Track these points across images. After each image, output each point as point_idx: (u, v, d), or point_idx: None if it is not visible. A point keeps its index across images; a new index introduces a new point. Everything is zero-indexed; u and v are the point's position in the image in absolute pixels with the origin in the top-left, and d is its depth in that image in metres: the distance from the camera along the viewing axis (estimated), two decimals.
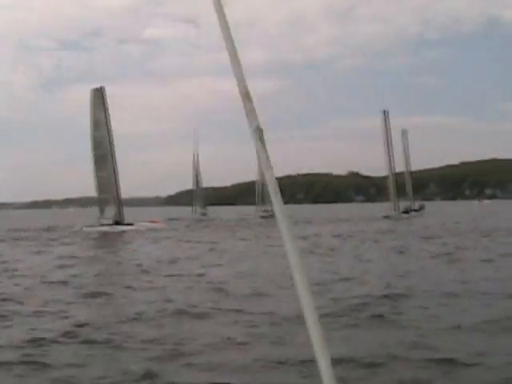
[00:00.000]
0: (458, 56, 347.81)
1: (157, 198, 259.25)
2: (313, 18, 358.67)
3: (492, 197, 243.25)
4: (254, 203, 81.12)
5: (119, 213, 48.35)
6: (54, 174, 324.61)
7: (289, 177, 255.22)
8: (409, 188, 72.83)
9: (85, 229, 46.59)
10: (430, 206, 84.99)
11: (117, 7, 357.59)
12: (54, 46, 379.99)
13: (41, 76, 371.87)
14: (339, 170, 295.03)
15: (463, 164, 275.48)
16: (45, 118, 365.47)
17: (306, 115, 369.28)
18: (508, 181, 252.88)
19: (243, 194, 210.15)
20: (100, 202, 49.29)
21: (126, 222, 48.04)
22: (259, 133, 1.84)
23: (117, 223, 47.09)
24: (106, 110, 48.76)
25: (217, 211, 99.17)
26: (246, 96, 1.86)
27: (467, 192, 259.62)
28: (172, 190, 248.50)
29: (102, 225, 47.02)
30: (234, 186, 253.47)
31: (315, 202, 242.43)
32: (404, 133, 74.22)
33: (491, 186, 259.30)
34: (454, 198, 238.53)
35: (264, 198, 72.74)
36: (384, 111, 66.75)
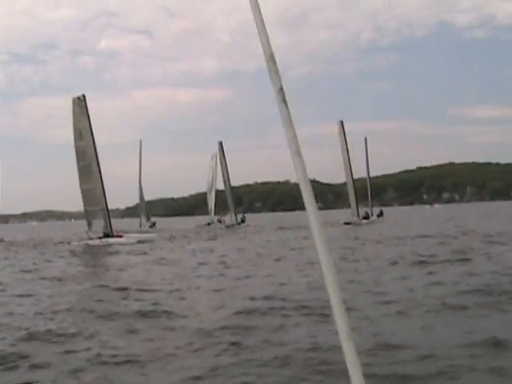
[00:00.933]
0: (411, 61, 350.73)
1: (116, 209, 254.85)
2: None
3: (450, 201, 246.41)
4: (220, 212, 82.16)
5: (108, 225, 45.50)
6: (9, 188, 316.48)
7: (246, 186, 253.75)
8: (368, 194, 73.92)
9: (75, 243, 43.72)
10: (388, 211, 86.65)
11: (70, 19, 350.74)
12: (5, 59, 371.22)
13: None
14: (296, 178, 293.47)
15: (420, 169, 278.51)
16: None
17: (260, 124, 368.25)
18: (465, 184, 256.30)
19: (201, 203, 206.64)
20: (87, 215, 46.44)
21: (116, 234, 45.38)
22: (282, 94, 1.89)
23: (106, 236, 44.30)
24: (88, 119, 45.90)
25: (170, 222, 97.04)
26: (270, 58, 1.91)
27: (425, 196, 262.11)
28: (130, 202, 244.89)
29: (91, 238, 44.24)
30: (192, 197, 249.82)
31: (273, 210, 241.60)
32: (365, 140, 76.48)
33: (448, 191, 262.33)
34: (411, 203, 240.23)
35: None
36: (341, 121, 66.53)
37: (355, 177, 67.74)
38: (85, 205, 46.30)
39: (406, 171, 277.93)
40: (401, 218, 78.74)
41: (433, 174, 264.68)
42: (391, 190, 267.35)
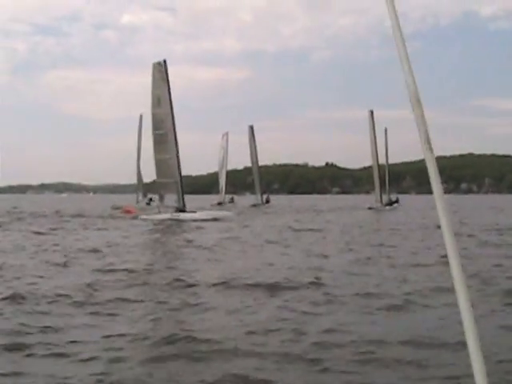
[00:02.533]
0: (435, 50, 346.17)
1: (133, 185, 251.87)
2: (288, 8, 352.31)
3: (467, 191, 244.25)
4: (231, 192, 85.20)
5: (181, 199, 43.08)
6: (27, 158, 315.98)
7: (265, 166, 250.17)
8: (386, 181, 72.84)
9: (143, 217, 41.37)
10: (404, 199, 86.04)
11: None
12: (28, 30, 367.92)
13: (15, 60, 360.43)
14: (316, 161, 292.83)
15: (440, 158, 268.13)
16: (19, 103, 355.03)
17: (281, 106, 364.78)
18: (483, 176, 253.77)
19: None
20: (159, 187, 44.11)
21: (189, 209, 42.94)
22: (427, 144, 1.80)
23: (180, 211, 41.89)
24: (168, 85, 43.36)
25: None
26: (417, 102, 1.80)
27: (443, 186, 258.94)
28: (148, 178, 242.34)
29: (161, 212, 41.87)
30: (210, 175, 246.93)
31: (291, 192, 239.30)
32: (385, 131, 74.61)
33: (467, 181, 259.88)
34: (429, 192, 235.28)
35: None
36: (371, 111, 65.69)
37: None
38: (157, 176, 44.07)
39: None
40: (413, 206, 77.26)
41: (452, 164, 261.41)
42: (409, 178, 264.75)
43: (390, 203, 66.94)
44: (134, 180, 69.94)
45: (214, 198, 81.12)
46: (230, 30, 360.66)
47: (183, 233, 30.41)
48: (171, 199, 43.15)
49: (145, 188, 67.61)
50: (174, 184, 43.19)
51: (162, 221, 39.28)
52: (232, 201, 76.60)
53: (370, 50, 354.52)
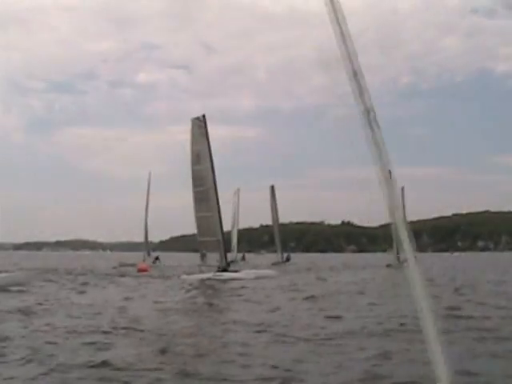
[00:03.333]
0: (450, 106, 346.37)
1: (149, 243, 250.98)
2: (302, 66, 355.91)
3: (484, 249, 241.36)
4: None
5: (224, 258, 41.49)
6: (43, 215, 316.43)
7: (281, 225, 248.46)
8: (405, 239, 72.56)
9: (184, 276, 39.75)
10: (421, 257, 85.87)
11: (109, 51, 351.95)
12: (44, 88, 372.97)
13: (31, 117, 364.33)
14: (332, 219, 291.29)
15: (455, 215, 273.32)
16: (34, 160, 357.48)
17: (296, 163, 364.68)
18: (500, 233, 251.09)
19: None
20: (200, 246, 42.62)
21: (231, 269, 41.46)
22: (373, 115, 1.86)
23: (222, 270, 40.24)
24: (207, 141, 42.22)
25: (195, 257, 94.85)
26: (355, 74, 1.87)
27: (459, 243, 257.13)
28: (164, 236, 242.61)
29: (203, 272, 40.29)
30: (227, 233, 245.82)
31: (307, 250, 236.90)
32: (402, 189, 72.61)
33: (483, 238, 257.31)
34: (446, 250, 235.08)
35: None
36: (389, 171, 67.52)
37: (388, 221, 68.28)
38: (198, 234, 42.54)
39: (442, 217, 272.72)
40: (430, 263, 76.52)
41: (468, 221, 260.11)
42: (426, 235, 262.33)
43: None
44: (143, 239, 70.54)
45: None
46: (244, 88, 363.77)
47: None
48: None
49: (150, 247, 68.02)
50: (216, 242, 41.69)
51: (204, 280, 37.67)
52: (243, 259, 76.60)
53: (383, 108, 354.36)
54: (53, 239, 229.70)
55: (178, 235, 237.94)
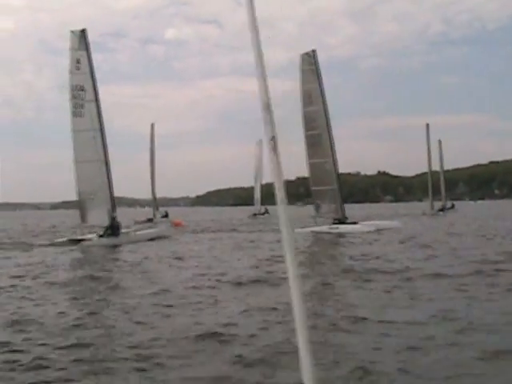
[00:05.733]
0: (482, 54, 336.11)
1: (186, 198, 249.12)
2: (333, 18, 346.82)
3: None
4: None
5: (340, 209, 37.60)
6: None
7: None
8: (442, 189, 76.37)
9: (298, 230, 35.70)
10: (458, 205, 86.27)
11: (138, 8, 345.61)
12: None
13: (63, 77, 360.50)
14: (368, 169, 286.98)
15: (492, 163, 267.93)
16: (68, 119, 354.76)
17: (331, 115, 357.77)
18: None
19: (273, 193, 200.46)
20: (314, 196, 38.56)
21: (349, 220, 37.57)
22: (273, 143, 2.00)
23: (339, 222, 36.27)
24: (319, 79, 37.93)
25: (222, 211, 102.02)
26: (267, 107, 2.03)
27: (496, 191, 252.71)
28: (201, 190, 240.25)
29: (317, 225, 36.40)
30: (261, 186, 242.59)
31: (344, 201, 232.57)
32: (440, 143, 76.93)
33: None
34: (482, 198, 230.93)
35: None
36: (427, 124, 70.49)
37: (426, 170, 73.02)
38: (312, 183, 38.62)
39: (478, 165, 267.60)
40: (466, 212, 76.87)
41: (505, 169, 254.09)
42: (462, 184, 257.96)
43: (442, 209, 70.91)
44: (183, 194, 69.22)
45: (249, 210, 79.17)
46: (275, 41, 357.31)
47: None
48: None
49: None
50: (331, 191, 37.83)
51: (320, 234, 33.91)
52: (266, 212, 73.62)
53: (415, 56, 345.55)
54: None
55: (214, 189, 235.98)
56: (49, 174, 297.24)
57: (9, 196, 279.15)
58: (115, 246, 28.60)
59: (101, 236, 30.14)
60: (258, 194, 77.17)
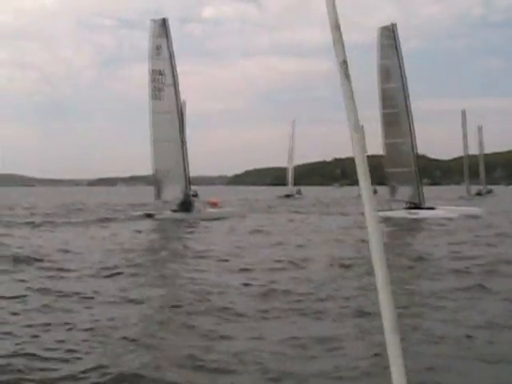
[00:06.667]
0: None
1: (222, 177, 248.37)
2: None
3: None
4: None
5: (418, 193, 35.73)
6: (118, 152, 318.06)
7: (351, 158, 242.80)
8: (482, 174, 76.70)
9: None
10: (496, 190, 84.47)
11: None
12: (115, 25, 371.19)
13: (103, 54, 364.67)
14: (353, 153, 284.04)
15: None
16: (107, 96, 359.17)
17: (369, 97, 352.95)
18: None
19: (309, 173, 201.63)
20: (391, 179, 36.77)
21: (426, 205, 35.59)
22: (345, 67, 1.85)
23: (415, 207, 34.41)
24: (398, 54, 35.96)
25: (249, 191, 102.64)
26: (336, 26, 1.88)
27: None
28: (238, 169, 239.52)
29: (392, 209, 34.62)
30: (299, 166, 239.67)
31: (380, 184, 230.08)
32: (480, 129, 76.66)
33: None
34: None
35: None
36: (463, 111, 68.53)
37: (463, 154, 71.94)
38: (387, 165, 36.82)
39: None
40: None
41: None
42: (500, 168, 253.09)
43: (480, 193, 70.17)
44: (221, 172, 68.16)
45: (278, 191, 79.23)
46: (313, 20, 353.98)
47: None
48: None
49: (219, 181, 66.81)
50: (409, 174, 35.98)
51: (395, 219, 32.08)
52: (300, 193, 73.81)
53: (458, 39, 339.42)
54: (127, 175, 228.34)
55: (251, 169, 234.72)
56: (85, 150, 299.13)
57: (46, 172, 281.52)
58: (187, 221, 30.42)
59: (174, 211, 32.43)
60: (290, 174, 76.27)
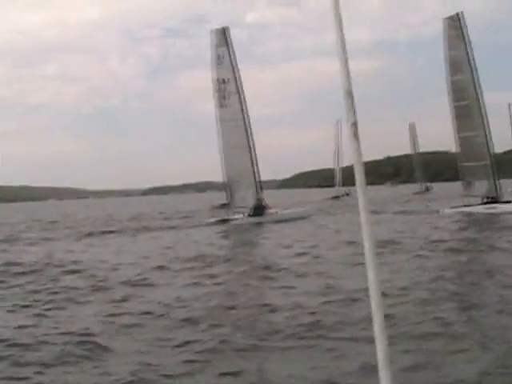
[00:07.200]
0: None
1: (273, 181, 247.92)
2: None
3: None
4: (371, 183, 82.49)
5: (494, 187, 34.33)
6: (169, 160, 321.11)
7: (405, 156, 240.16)
8: None
9: (446, 210, 32.69)
10: None
11: None
12: (159, 34, 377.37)
13: (149, 64, 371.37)
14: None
15: None
16: (155, 105, 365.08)
17: (415, 94, 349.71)
18: None
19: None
20: (465, 173, 35.46)
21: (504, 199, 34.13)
22: (354, 129, 2.01)
23: (492, 201, 33.20)
24: (466, 44, 34.67)
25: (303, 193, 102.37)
26: (348, 93, 2.00)
27: None
28: (286, 174, 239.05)
29: (468, 205, 33.16)
30: (348, 167, 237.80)
31: (432, 180, 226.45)
32: None
33: None
34: None
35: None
36: (509, 104, 62.82)
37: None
38: (461, 159, 35.53)
39: None
40: None
41: None
42: None
43: None
44: (270, 177, 68.35)
45: (330, 192, 77.83)
46: (357, 20, 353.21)
47: None
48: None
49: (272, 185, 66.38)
50: (483, 168, 34.60)
51: (472, 214, 30.86)
52: (348, 193, 72.27)
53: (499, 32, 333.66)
54: (178, 183, 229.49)
55: (301, 172, 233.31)
56: (135, 160, 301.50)
57: (98, 184, 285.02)
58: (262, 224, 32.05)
59: (249, 215, 33.58)
60: (338, 174, 76.59)
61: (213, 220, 33.95)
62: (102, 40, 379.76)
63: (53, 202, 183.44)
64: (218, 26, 35.33)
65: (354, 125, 1.97)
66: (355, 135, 1.97)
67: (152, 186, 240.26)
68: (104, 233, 30.53)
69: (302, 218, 35.29)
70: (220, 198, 60.21)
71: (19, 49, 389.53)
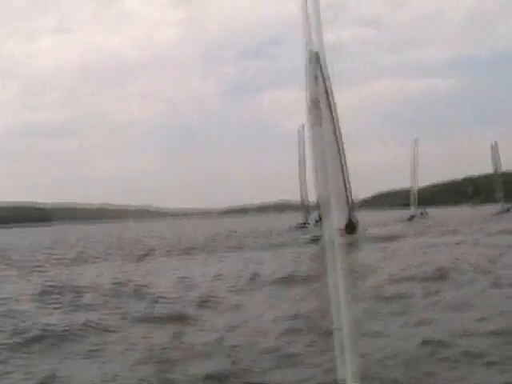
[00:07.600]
0: None
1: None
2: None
3: None
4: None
5: None
6: (244, 179, 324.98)
7: (485, 176, 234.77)
8: None
9: None
10: None
11: (294, 13, 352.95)
12: (237, 54, 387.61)
13: (227, 84, 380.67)
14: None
15: None
16: (234, 125, 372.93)
17: (492, 111, 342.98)
18: None
19: (438, 194, 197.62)
20: None
21: None
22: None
23: None
24: None
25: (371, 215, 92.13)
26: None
27: None
28: (366, 194, 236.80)
29: None
30: (433, 186, 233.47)
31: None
32: None
33: None
34: None
35: None
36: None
37: None
38: None
39: None
40: None
41: None
42: None
43: None
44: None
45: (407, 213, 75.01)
46: (436, 37, 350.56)
47: None
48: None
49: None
50: None
51: None
52: (424, 214, 72.42)
53: None
54: (255, 202, 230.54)
55: (380, 192, 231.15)
56: (213, 179, 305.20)
57: (176, 203, 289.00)
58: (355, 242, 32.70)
59: None
60: (413, 196, 77.41)
61: (305, 237, 35.98)
62: (181, 59, 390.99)
63: (132, 223, 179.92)
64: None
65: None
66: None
67: (231, 205, 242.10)
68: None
69: (391, 236, 36.33)
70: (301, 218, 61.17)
71: (102, 68, 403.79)
